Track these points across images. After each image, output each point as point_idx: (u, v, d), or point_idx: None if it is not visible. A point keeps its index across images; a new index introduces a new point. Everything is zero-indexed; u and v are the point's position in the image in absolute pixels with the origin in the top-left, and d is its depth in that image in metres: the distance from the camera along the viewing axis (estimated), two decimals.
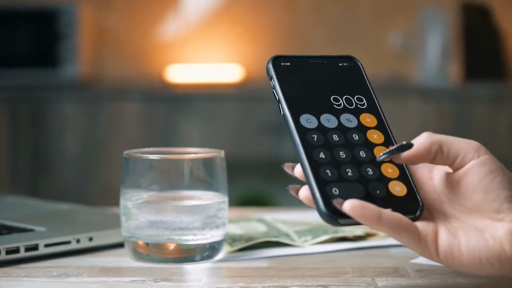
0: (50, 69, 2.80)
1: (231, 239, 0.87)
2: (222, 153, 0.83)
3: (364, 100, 0.69)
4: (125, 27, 3.07)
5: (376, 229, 0.62)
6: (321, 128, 0.66)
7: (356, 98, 0.69)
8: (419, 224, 0.63)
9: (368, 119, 0.68)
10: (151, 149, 0.84)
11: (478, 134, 2.70)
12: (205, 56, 3.04)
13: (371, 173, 0.64)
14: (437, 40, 2.87)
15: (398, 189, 0.64)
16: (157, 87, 2.92)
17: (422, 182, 0.66)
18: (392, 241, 0.85)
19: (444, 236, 0.62)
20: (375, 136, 0.67)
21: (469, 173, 0.63)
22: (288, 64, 0.70)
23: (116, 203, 0.86)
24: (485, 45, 2.98)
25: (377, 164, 0.65)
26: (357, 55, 0.75)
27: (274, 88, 0.68)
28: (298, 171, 0.66)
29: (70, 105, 2.73)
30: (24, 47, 2.86)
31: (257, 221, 0.98)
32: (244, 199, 2.71)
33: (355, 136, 0.67)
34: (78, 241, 0.84)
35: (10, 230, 0.86)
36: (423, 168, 0.66)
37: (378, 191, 0.64)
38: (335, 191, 0.62)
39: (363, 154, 0.65)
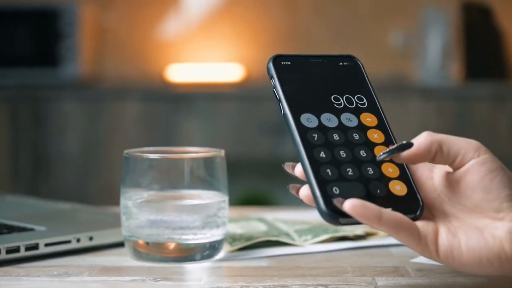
0: (50, 69, 2.80)
1: (232, 238, 0.87)
2: (222, 153, 0.83)
3: (365, 100, 0.69)
4: (126, 27, 3.07)
5: (376, 229, 0.62)
6: (321, 128, 0.66)
7: (357, 98, 0.69)
8: (419, 224, 0.63)
9: (369, 119, 0.68)
10: (151, 148, 0.84)
11: (478, 134, 2.70)
12: (206, 55, 3.04)
13: (372, 172, 0.64)
14: (437, 39, 2.87)
15: (398, 188, 0.64)
16: (158, 86, 2.92)
17: (422, 181, 0.66)
18: (392, 240, 0.85)
19: (444, 236, 0.62)
20: (375, 136, 0.67)
21: (469, 172, 0.63)
22: (289, 63, 0.70)
23: (117, 202, 0.86)
24: (486, 45, 2.98)
25: (377, 164, 0.65)
26: (357, 54, 0.75)
27: (274, 87, 0.68)
28: (298, 170, 0.66)
29: (70, 104, 2.73)
30: (25, 46, 2.86)
31: (257, 221, 0.98)
32: (245, 198, 2.71)
33: (355, 135, 0.67)
34: (78, 240, 0.84)
35: (10, 229, 0.86)
36: (423, 168, 0.67)
37: (378, 191, 0.64)
38: (336, 190, 0.62)
39: (363, 154, 0.65)
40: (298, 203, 0.72)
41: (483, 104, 2.75)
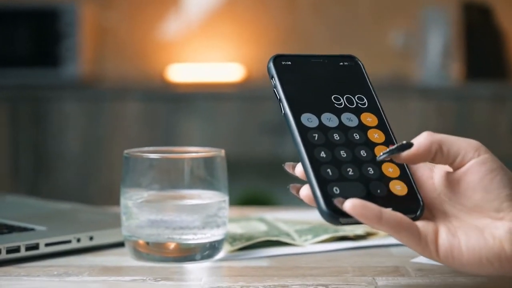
0: (51, 68, 2.80)
1: (232, 238, 0.87)
2: (222, 152, 0.83)
3: (365, 100, 0.69)
4: (126, 27, 3.07)
5: (376, 228, 0.62)
6: (322, 127, 0.66)
7: (357, 98, 0.69)
8: (420, 224, 0.63)
9: (369, 119, 0.68)
10: (151, 148, 0.84)
11: (479, 134, 2.70)
12: (206, 55, 3.04)
13: (372, 172, 0.64)
14: (438, 39, 2.87)
15: (398, 188, 0.64)
16: (158, 86, 2.92)
17: (423, 181, 0.66)
18: (392, 240, 0.85)
19: (444, 236, 0.62)
20: (375, 136, 0.67)
21: (469, 172, 0.63)
22: (289, 63, 0.70)
23: (117, 202, 0.86)
24: (486, 45, 2.98)
25: (377, 164, 0.65)
26: (357, 54, 0.75)
27: (275, 87, 0.68)
28: (299, 170, 0.66)
29: (71, 104, 2.73)
30: (25, 46, 2.86)
31: (257, 221, 0.98)
32: (245, 198, 2.71)
33: (356, 135, 0.67)
34: (78, 240, 0.84)
35: (10, 229, 0.86)
36: (424, 168, 0.67)
37: (378, 191, 0.64)
38: (336, 190, 0.62)
39: (363, 154, 0.65)
40: (298, 203, 0.72)
41: (483, 104, 2.75)
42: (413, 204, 0.64)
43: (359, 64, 0.72)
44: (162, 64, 3.01)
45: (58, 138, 2.71)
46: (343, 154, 0.65)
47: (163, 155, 0.82)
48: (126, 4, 3.07)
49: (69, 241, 0.83)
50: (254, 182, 2.84)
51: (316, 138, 0.65)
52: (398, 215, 0.62)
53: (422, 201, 0.64)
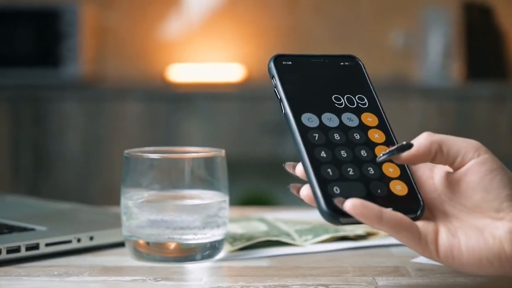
0: (51, 69, 2.80)
1: (232, 238, 0.87)
2: (223, 152, 0.83)
3: (366, 100, 0.69)
4: (127, 27, 3.07)
5: (377, 228, 0.62)
6: (322, 127, 0.66)
7: (358, 98, 0.69)
8: (420, 224, 0.63)
9: (369, 119, 0.68)
10: (151, 148, 0.84)
11: (479, 134, 2.70)
12: (207, 55, 3.04)
13: (372, 172, 0.64)
14: (438, 39, 2.87)
15: (399, 188, 0.64)
16: (159, 86, 2.92)
17: (423, 181, 0.66)
18: (393, 240, 0.85)
19: (444, 236, 0.62)
20: (376, 136, 0.67)
21: (469, 173, 0.63)
22: (290, 63, 0.70)
23: (117, 202, 0.86)
24: (487, 45, 2.98)
25: (378, 164, 0.65)
26: (358, 54, 0.75)
27: (275, 87, 0.68)
28: (299, 170, 0.66)
29: (71, 104, 2.73)
30: (26, 46, 2.87)
31: (258, 221, 0.98)
32: (246, 198, 2.71)
33: (356, 135, 0.67)
34: (79, 240, 0.84)
35: (11, 229, 0.86)
36: (424, 168, 0.67)
37: (379, 191, 0.64)
38: (336, 190, 0.62)
39: (364, 154, 0.65)
40: (298, 203, 0.72)
41: (484, 104, 2.75)
42: (413, 204, 0.64)
43: (360, 64, 0.72)
44: (163, 64, 3.01)
45: (58, 138, 2.71)
46: (344, 154, 0.65)
47: (163, 155, 0.82)
48: (126, 4, 3.07)
49: (69, 241, 0.83)
50: (255, 182, 2.84)
51: (316, 138, 0.65)
52: (399, 215, 0.62)
53: (422, 201, 0.64)
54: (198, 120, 2.72)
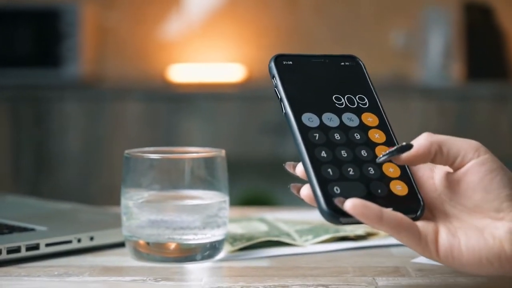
0: (52, 69, 2.80)
1: (232, 238, 0.87)
2: (223, 153, 0.83)
3: (366, 100, 0.69)
4: (127, 27, 3.07)
5: (377, 228, 0.62)
6: (322, 127, 0.66)
7: (358, 98, 0.69)
8: (420, 224, 0.63)
9: (370, 119, 0.68)
10: (152, 148, 0.84)
11: (480, 134, 2.70)
12: (207, 55, 3.03)
13: (373, 172, 0.64)
14: (439, 39, 2.87)
15: (399, 188, 0.64)
16: (159, 86, 2.92)
17: (423, 181, 0.66)
18: (393, 240, 0.85)
19: (444, 236, 0.62)
20: (376, 136, 0.67)
21: (469, 173, 0.63)
22: (290, 63, 0.70)
23: (117, 202, 0.86)
24: (487, 45, 2.98)
25: (378, 164, 0.65)
26: (359, 54, 0.75)
27: (276, 86, 0.68)
28: (299, 169, 0.66)
29: (72, 104, 2.73)
30: (26, 47, 2.87)
31: (258, 221, 0.98)
32: (246, 198, 2.71)
33: (356, 135, 0.67)
34: (79, 240, 0.84)
35: (11, 229, 0.86)
36: (424, 168, 0.67)
37: (379, 191, 0.64)
38: (337, 190, 0.62)
39: (364, 154, 0.65)
40: (299, 203, 0.72)
41: (485, 104, 2.75)
42: (414, 204, 0.64)
43: (360, 64, 0.72)
44: (163, 64, 3.01)
45: (59, 138, 2.71)
46: (344, 154, 0.65)
47: (163, 155, 0.82)
48: (127, 4, 3.07)
49: (69, 241, 0.83)
50: (255, 182, 2.84)
51: (317, 137, 0.65)
52: (399, 215, 0.62)
53: (423, 201, 0.64)
54: (199, 120, 2.72)
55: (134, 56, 3.05)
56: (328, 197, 0.62)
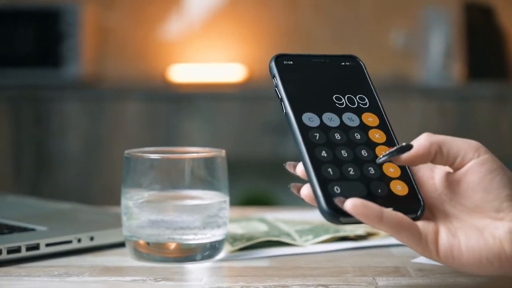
0: (52, 69, 2.80)
1: (232, 238, 0.87)
2: (223, 153, 0.83)
3: (366, 100, 0.69)
4: (128, 27, 3.07)
5: (377, 228, 0.62)
6: (323, 127, 0.66)
7: (358, 98, 0.69)
8: (420, 224, 0.63)
9: (370, 119, 0.68)
10: (152, 148, 0.84)
11: (480, 134, 2.70)
12: (208, 55, 3.03)
13: (373, 172, 0.64)
14: (439, 39, 2.87)
15: (399, 188, 0.64)
16: (160, 86, 2.92)
17: (423, 181, 0.66)
18: (393, 240, 0.85)
19: (444, 236, 0.62)
20: (377, 136, 0.67)
21: (469, 173, 0.63)
22: (291, 62, 0.70)
23: (118, 202, 0.86)
24: (488, 45, 2.98)
25: (378, 164, 0.65)
26: (359, 54, 0.75)
27: (276, 86, 0.68)
28: (300, 169, 0.66)
29: (72, 104, 2.73)
30: (27, 47, 2.87)
31: (258, 221, 0.98)
32: (246, 198, 2.71)
33: (357, 135, 0.67)
34: (79, 240, 0.84)
35: (11, 229, 0.86)
36: (425, 168, 0.67)
37: (379, 190, 0.64)
38: (337, 189, 0.62)
39: (364, 153, 0.65)
40: (299, 203, 0.72)
41: (485, 104, 2.75)
42: (414, 204, 0.64)
43: (361, 64, 0.72)
44: (164, 64, 3.01)
45: (59, 138, 2.71)
46: (344, 154, 0.65)
47: (163, 155, 0.82)
48: (127, 4, 3.07)
49: (69, 241, 0.83)
50: (256, 182, 2.84)
51: (317, 137, 0.65)
52: (399, 215, 0.62)
53: (423, 201, 0.64)
54: (199, 120, 2.72)
55: (134, 56, 3.05)
56: (329, 196, 0.62)
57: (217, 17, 3.08)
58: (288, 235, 0.89)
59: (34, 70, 2.81)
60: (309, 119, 0.66)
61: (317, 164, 0.63)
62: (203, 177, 0.82)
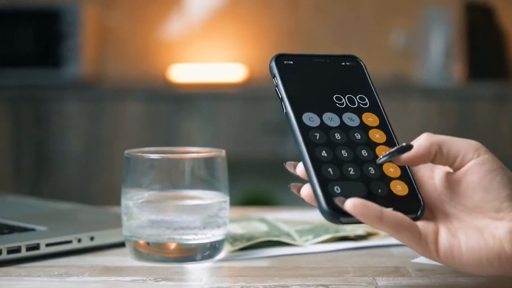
0: (53, 69, 2.80)
1: (232, 238, 0.87)
2: (223, 153, 0.83)
3: (367, 100, 0.69)
4: (128, 27, 3.07)
5: (377, 228, 0.62)
6: (323, 127, 0.66)
7: (359, 98, 0.69)
8: (420, 224, 0.63)
9: (370, 119, 0.68)
10: (152, 148, 0.84)
11: (481, 134, 2.69)
12: (208, 55, 3.03)
13: (373, 172, 0.64)
14: (440, 39, 2.87)
15: (399, 188, 0.64)
16: (160, 86, 2.92)
17: (423, 181, 0.66)
18: (393, 240, 0.85)
19: (444, 236, 0.62)
20: (377, 136, 0.67)
21: (469, 173, 0.63)
22: (291, 62, 0.70)
23: (118, 202, 0.86)
24: (488, 45, 2.98)
25: (378, 164, 0.65)
26: (359, 54, 0.75)
27: (276, 86, 0.68)
28: (300, 169, 0.66)
29: (72, 104, 2.73)
30: (27, 47, 2.87)
31: (258, 221, 0.98)
32: (247, 198, 2.71)
33: (357, 135, 0.67)
34: (79, 240, 0.84)
35: (11, 229, 0.86)
36: (425, 168, 0.67)
37: (379, 190, 0.64)
38: (337, 189, 0.62)
39: (365, 153, 0.65)
40: (299, 203, 0.72)
41: (486, 104, 2.75)
42: (414, 204, 0.64)
43: (361, 64, 0.72)
44: (164, 64, 3.01)
45: (59, 138, 2.71)
46: (344, 154, 0.65)
47: (163, 155, 0.82)
48: (128, 4, 3.07)
49: (70, 241, 0.83)
50: (256, 182, 2.84)
51: (317, 137, 0.65)
52: (399, 215, 0.61)
53: (423, 201, 0.64)
54: (199, 120, 2.72)
55: (135, 56, 3.05)
56: (329, 196, 0.62)
57: (218, 17, 3.08)
58: (288, 235, 0.89)
59: (34, 70, 2.81)
60: (309, 119, 0.66)
61: (317, 164, 0.63)
62: (203, 177, 0.82)
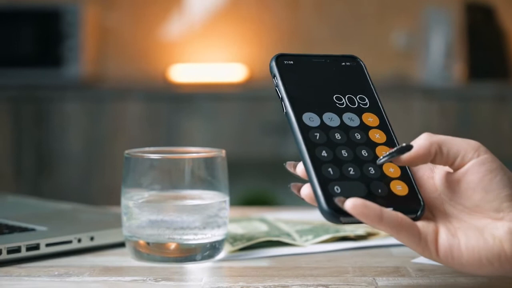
0: (53, 69, 2.80)
1: (232, 238, 0.87)
2: (223, 153, 0.83)
3: (367, 100, 0.69)
4: (129, 27, 3.07)
5: (377, 228, 0.62)
6: (323, 127, 0.66)
7: (359, 98, 0.69)
8: (420, 224, 0.63)
9: (370, 119, 0.68)
10: (152, 148, 0.84)
11: (481, 134, 2.70)
12: (208, 55, 3.04)
13: (373, 172, 0.64)
14: (440, 39, 2.87)
15: (399, 188, 0.64)
16: (160, 86, 2.92)
17: (423, 181, 0.66)
18: (393, 240, 0.85)
19: (444, 236, 0.62)
20: (377, 136, 0.67)
21: (468, 173, 0.63)
22: (291, 62, 0.70)
23: (118, 202, 0.86)
24: (489, 45, 2.98)
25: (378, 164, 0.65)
26: (360, 54, 0.75)
27: (277, 86, 0.68)
28: (300, 169, 0.66)
29: (73, 104, 2.73)
30: (28, 47, 2.87)
31: (258, 221, 0.98)
32: (247, 198, 2.71)
33: (357, 135, 0.67)
34: (79, 240, 0.84)
35: (11, 229, 0.86)
36: (425, 168, 0.67)
37: (379, 190, 0.64)
38: (337, 189, 0.62)
39: (365, 153, 0.65)
40: (299, 203, 0.72)
41: (486, 104, 2.75)
42: (414, 204, 0.64)
43: (361, 65, 0.72)
44: (164, 64, 3.01)
45: (60, 138, 2.71)
46: (344, 154, 0.65)
47: (163, 155, 0.82)
48: (128, 5, 3.08)
49: (69, 242, 0.83)
50: (256, 182, 2.84)
51: (317, 137, 0.65)
52: (399, 215, 0.61)
53: (423, 201, 0.64)
54: (200, 120, 2.72)
55: (135, 56, 3.05)
56: (329, 196, 0.62)
57: (218, 17, 3.08)
58: (288, 235, 0.89)
59: (34, 70, 2.81)
60: (309, 119, 0.66)
61: (318, 164, 0.63)
62: (203, 177, 0.82)
